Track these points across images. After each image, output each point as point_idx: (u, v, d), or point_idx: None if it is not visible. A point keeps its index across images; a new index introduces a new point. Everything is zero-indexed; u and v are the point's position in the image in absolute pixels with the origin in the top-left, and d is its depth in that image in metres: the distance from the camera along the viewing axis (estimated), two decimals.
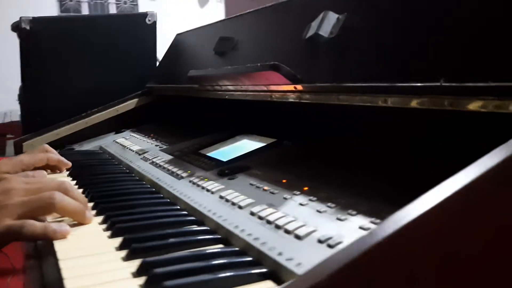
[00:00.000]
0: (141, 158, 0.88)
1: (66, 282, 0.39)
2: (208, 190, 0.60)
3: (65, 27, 1.40)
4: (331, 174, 0.57)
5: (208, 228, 0.51)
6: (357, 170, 0.57)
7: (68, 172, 0.85)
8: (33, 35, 1.33)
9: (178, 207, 0.60)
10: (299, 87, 0.64)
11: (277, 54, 0.77)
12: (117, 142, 1.08)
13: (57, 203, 0.51)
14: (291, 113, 0.81)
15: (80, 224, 0.54)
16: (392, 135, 0.61)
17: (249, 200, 0.53)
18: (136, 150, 0.94)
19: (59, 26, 1.39)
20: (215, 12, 6.59)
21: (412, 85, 0.47)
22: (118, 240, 0.48)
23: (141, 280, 0.39)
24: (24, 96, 1.40)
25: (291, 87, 0.65)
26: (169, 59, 1.30)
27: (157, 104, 1.29)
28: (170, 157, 0.83)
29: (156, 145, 0.95)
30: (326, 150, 0.69)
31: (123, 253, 0.45)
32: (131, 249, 0.44)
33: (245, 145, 0.83)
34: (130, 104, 1.28)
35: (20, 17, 1.32)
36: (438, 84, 0.44)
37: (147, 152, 0.90)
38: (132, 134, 1.15)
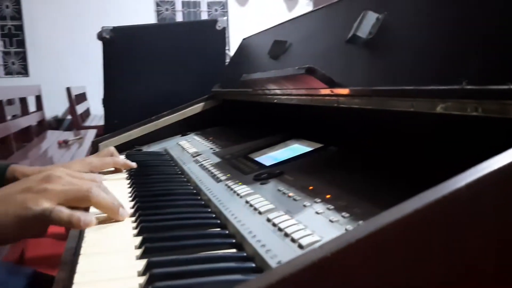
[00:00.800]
0: (193, 160, 0.90)
1: (77, 276, 0.41)
2: (238, 194, 0.60)
3: (141, 35, 1.49)
4: (361, 182, 0.54)
5: (227, 232, 0.51)
6: (392, 179, 0.54)
7: (126, 171, 0.91)
8: (113, 43, 1.43)
9: (210, 209, 0.61)
10: (337, 90, 0.62)
11: (323, 56, 0.75)
12: (179, 145, 1.13)
13: (93, 197, 0.54)
14: (338, 118, 0.78)
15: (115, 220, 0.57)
16: (438, 142, 0.56)
17: (270, 206, 0.52)
18: (191, 152, 0.97)
19: (136, 34, 1.49)
20: None
21: (449, 88, 0.43)
22: (139, 239, 0.50)
23: (142, 279, 0.40)
24: (105, 100, 1.52)
25: (327, 91, 0.63)
26: (234, 63, 1.33)
27: (222, 108, 1.32)
28: (218, 160, 0.85)
29: (211, 148, 0.98)
30: (367, 156, 0.66)
31: (139, 251, 0.46)
32: (144, 248, 0.46)
33: (293, 150, 0.81)
34: (197, 108, 1.32)
35: (102, 27, 1.43)
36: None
37: (200, 154, 0.93)
38: (195, 137, 1.18)
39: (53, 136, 3.81)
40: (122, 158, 0.92)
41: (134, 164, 0.90)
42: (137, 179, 0.81)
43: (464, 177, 0.25)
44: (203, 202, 0.64)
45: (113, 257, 0.46)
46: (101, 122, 5.31)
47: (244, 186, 0.63)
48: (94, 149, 1.24)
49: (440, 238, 0.24)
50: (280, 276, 0.22)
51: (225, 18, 1.50)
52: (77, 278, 0.40)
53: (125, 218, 0.58)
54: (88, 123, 5.15)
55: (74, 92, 4.98)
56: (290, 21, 1.00)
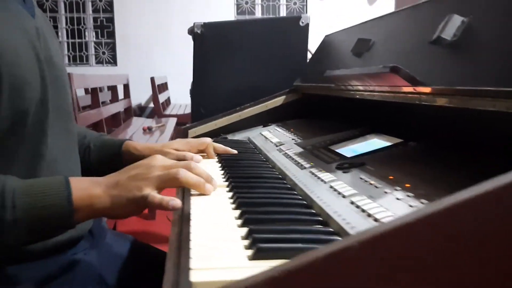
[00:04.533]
0: (277, 149, 0.98)
1: (192, 235, 0.50)
2: (322, 180, 0.67)
3: (229, 30, 1.59)
4: (440, 174, 0.59)
5: (313, 211, 0.58)
6: (470, 173, 0.57)
7: (217, 157, 1.00)
8: (203, 38, 1.55)
9: (296, 192, 0.68)
10: (419, 89, 0.66)
11: (406, 55, 0.79)
12: (262, 135, 1.21)
13: (180, 178, 0.63)
14: (420, 115, 0.82)
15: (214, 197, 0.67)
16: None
17: (353, 191, 0.58)
18: (275, 142, 1.05)
19: (224, 30, 1.59)
20: (385, 10, 6.45)
21: None
22: (238, 211, 0.58)
23: (246, 242, 0.48)
24: (193, 91, 1.64)
25: (410, 89, 0.67)
26: (316, 59, 1.38)
27: (302, 102, 1.38)
28: (301, 150, 0.92)
29: (293, 139, 1.05)
30: (447, 152, 0.69)
31: (240, 221, 0.55)
32: (244, 218, 0.54)
33: (373, 144, 0.86)
34: (278, 100, 1.40)
35: (194, 23, 1.55)
36: None
37: (283, 144, 1.01)
38: (276, 128, 1.26)
39: (137, 123, 4.10)
40: (220, 145, 1.01)
41: (234, 151, 0.99)
42: (228, 163, 0.90)
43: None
44: (289, 186, 0.71)
45: (218, 224, 0.55)
46: (181, 111, 5.57)
47: (327, 173, 0.69)
48: (184, 134, 1.37)
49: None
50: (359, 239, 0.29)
51: (308, 14, 1.56)
52: (193, 236, 0.49)
53: (211, 192, 0.67)
54: (168, 111, 5.45)
55: (157, 82, 5.29)
56: (374, 20, 1.04)
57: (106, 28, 6.66)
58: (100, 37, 6.68)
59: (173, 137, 3.64)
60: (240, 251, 0.46)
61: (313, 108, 1.36)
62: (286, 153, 0.92)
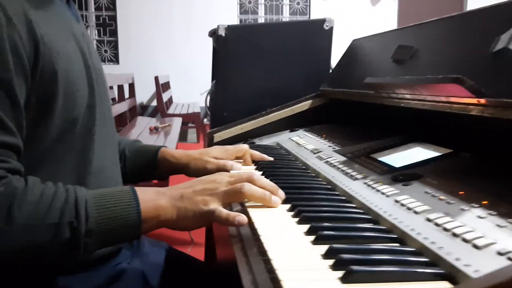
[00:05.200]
0: (315, 157, 0.96)
1: (270, 254, 0.48)
2: (383, 193, 0.65)
3: (253, 33, 1.57)
4: None
5: (384, 227, 0.56)
6: None
7: (254, 164, 0.98)
8: (226, 41, 1.53)
9: (354, 205, 0.66)
10: (482, 101, 0.64)
11: (457, 65, 0.77)
12: (292, 140, 1.19)
13: (245, 192, 0.63)
14: (471, 125, 0.80)
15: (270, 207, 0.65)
16: None
17: (425, 207, 0.56)
18: (310, 149, 1.03)
19: (248, 33, 1.57)
20: (388, 11, 6.45)
21: None
22: (305, 226, 0.56)
23: (329, 262, 0.46)
24: (215, 93, 1.62)
25: (473, 101, 0.65)
26: (344, 64, 1.37)
27: (330, 106, 1.36)
28: (342, 158, 0.90)
29: (329, 146, 1.03)
30: (507, 165, 0.68)
31: (311, 237, 0.53)
32: (318, 235, 0.52)
33: (418, 153, 0.84)
34: (305, 105, 1.38)
35: (218, 25, 1.53)
36: None
37: (321, 151, 0.99)
38: (305, 133, 1.24)
39: (142, 122, 4.07)
40: (257, 152, 1.00)
41: (270, 158, 0.98)
42: (269, 172, 0.88)
43: None
44: (344, 198, 0.70)
45: (291, 241, 0.53)
46: (184, 110, 5.54)
47: (386, 186, 0.67)
48: (210, 139, 1.35)
49: None
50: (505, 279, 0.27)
51: (332, 18, 1.54)
52: (271, 254, 0.47)
53: (278, 204, 0.66)
54: (171, 110, 5.42)
55: (160, 81, 5.26)
56: (413, 27, 1.02)
57: (108, 26, 6.62)
58: (102, 35, 6.64)
59: (180, 137, 3.61)
60: (327, 272, 0.44)
61: (340, 114, 1.34)
62: (328, 161, 0.90)
